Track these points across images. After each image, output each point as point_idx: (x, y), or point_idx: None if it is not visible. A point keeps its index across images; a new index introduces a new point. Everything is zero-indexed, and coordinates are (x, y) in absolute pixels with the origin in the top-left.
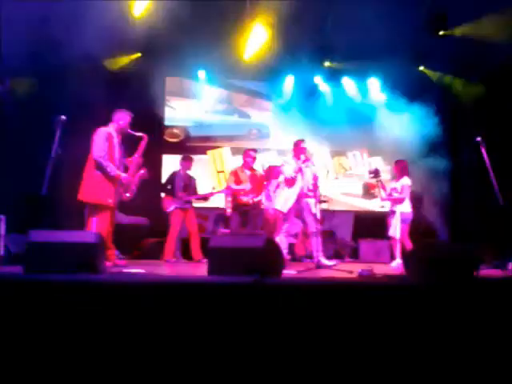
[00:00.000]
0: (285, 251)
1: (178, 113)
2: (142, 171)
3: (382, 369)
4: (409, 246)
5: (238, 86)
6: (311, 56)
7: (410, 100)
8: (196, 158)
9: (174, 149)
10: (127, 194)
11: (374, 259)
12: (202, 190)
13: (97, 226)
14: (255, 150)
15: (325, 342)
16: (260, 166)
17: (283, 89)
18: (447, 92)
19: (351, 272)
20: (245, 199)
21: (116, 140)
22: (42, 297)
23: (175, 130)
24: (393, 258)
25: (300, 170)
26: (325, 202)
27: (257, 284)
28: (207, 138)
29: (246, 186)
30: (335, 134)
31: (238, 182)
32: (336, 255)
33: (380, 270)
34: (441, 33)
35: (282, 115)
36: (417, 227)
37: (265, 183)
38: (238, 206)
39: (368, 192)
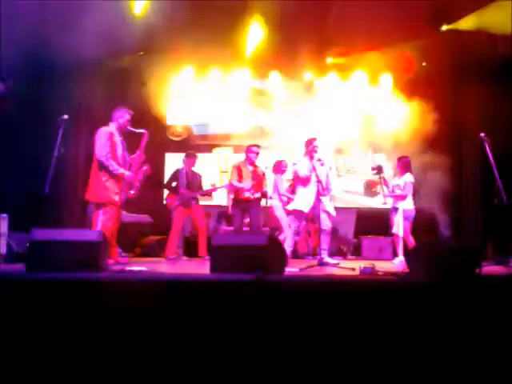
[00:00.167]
0: (289, 249)
1: (180, 111)
2: (144, 168)
3: (383, 365)
4: (411, 243)
5: (240, 84)
6: (312, 52)
7: (413, 95)
8: (199, 156)
9: (177, 147)
10: (132, 192)
11: (376, 256)
12: (204, 187)
13: (103, 225)
14: (258, 146)
15: (327, 339)
16: (262, 164)
17: (284, 86)
18: (450, 87)
19: (353, 269)
20: (246, 194)
21: (118, 138)
22: (43, 295)
23: (178, 129)
24: (395, 254)
25: (314, 169)
26: None
27: (259, 281)
28: (210, 137)
29: (247, 184)
30: (337, 131)
31: (241, 177)
32: (338, 252)
33: (382, 267)
34: (444, 28)
35: (284, 113)
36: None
37: (272, 179)
38: (239, 202)
39: (370, 189)
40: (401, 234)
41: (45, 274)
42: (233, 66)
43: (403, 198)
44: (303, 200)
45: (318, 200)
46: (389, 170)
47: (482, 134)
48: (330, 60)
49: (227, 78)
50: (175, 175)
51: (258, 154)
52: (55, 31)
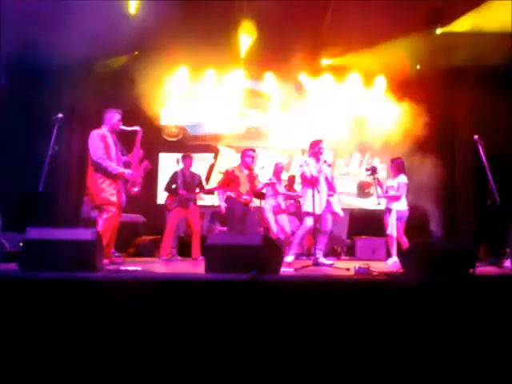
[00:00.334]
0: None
1: (175, 112)
2: (144, 163)
3: (378, 365)
4: (404, 243)
5: (235, 85)
6: (307, 54)
7: (406, 97)
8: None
9: (171, 147)
10: (135, 189)
11: (369, 257)
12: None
13: (103, 225)
14: (254, 150)
15: (322, 339)
16: (258, 164)
17: (279, 87)
18: (444, 90)
19: (348, 270)
20: (245, 198)
21: (111, 140)
22: (37, 295)
23: (174, 129)
24: (389, 255)
25: (320, 171)
26: None
27: (254, 281)
28: (205, 137)
29: (222, 204)
30: (330, 132)
31: (238, 184)
32: (332, 253)
33: (376, 267)
34: (438, 31)
35: (279, 114)
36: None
37: (271, 181)
38: (235, 204)
39: (362, 191)
40: (394, 235)
41: (39, 273)
42: (227, 66)
43: (397, 198)
44: (311, 202)
45: (327, 202)
46: (382, 172)
47: (476, 137)
48: (324, 61)
49: (222, 78)
50: (174, 177)
51: (253, 158)
52: (48, 31)
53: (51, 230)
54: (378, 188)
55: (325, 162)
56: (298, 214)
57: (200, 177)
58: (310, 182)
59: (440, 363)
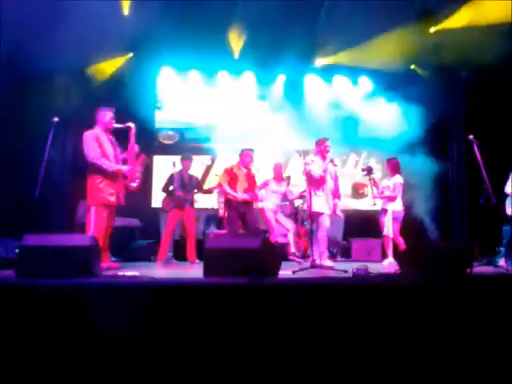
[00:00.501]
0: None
1: (170, 114)
2: (141, 157)
3: (378, 367)
4: (400, 243)
5: (231, 87)
6: (302, 54)
7: (401, 98)
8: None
9: (167, 150)
10: (134, 184)
11: (365, 258)
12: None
13: (95, 227)
14: (252, 150)
15: (322, 341)
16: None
17: (275, 88)
18: (438, 90)
19: (345, 271)
20: (244, 196)
21: (105, 138)
22: (35, 302)
23: (170, 133)
24: (384, 256)
25: (326, 170)
26: None
27: (253, 284)
28: (202, 140)
29: (240, 194)
30: (325, 133)
31: (236, 180)
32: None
33: (373, 268)
34: (432, 30)
35: (275, 115)
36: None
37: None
38: (235, 205)
39: (357, 192)
40: (391, 235)
41: (36, 279)
42: (218, 67)
43: (393, 199)
44: (322, 201)
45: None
46: (377, 172)
47: (471, 136)
48: (316, 60)
49: (215, 80)
50: (170, 179)
51: (252, 157)
52: (39, 35)
53: (48, 236)
54: (374, 188)
55: (331, 160)
56: (294, 216)
57: (198, 178)
58: (317, 181)
59: (439, 363)
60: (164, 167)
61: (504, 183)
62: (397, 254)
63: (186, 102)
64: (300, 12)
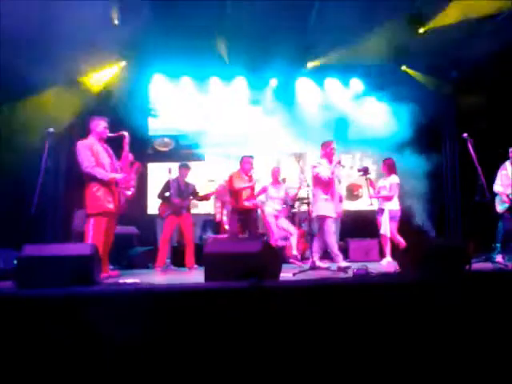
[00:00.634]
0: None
1: (165, 122)
2: (135, 165)
3: (381, 366)
4: (399, 242)
5: (223, 92)
6: (293, 58)
7: (393, 99)
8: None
9: (161, 157)
10: (129, 192)
11: (362, 258)
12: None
13: (93, 237)
14: (252, 157)
15: (325, 343)
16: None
17: (267, 93)
18: (430, 90)
19: (346, 272)
20: (247, 204)
21: (99, 147)
22: (36, 312)
23: (166, 139)
24: (382, 255)
25: (333, 172)
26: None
27: (254, 288)
28: (196, 146)
29: (251, 202)
30: (320, 136)
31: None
32: (325, 255)
33: (372, 268)
34: (421, 30)
35: (267, 119)
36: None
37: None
38: (237, 211)
39: (352, 194)
40: (388, 235)
41: (38, 290)
42: (210, 73)
43: (389, 198)
44: (329, 205)
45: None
46: (372, 173)
47: (465, 135)
48: (307, 63)
49: (205, 86)
50: (167, 185)
51: (252, 164)
52: (29, 47)
53: (47, 245)
54: (370, 188)
55: (338, 163)
56: (291, 218)
57: (194, 186)
58: (325, 184)
59: (441, 361)
60: (159, 174)
61: (493, 182)
62: (396, 253)
63: (179, 109)
64: (289, 15)
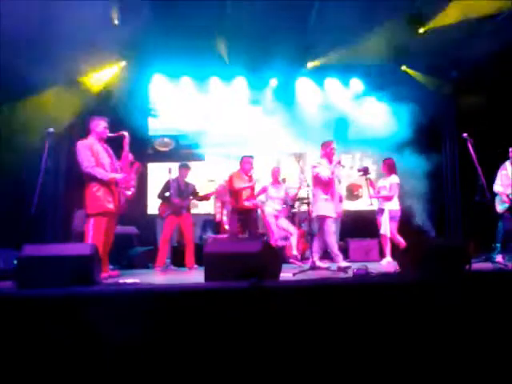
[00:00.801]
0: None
1: (165, 121)
2: (135, 166)
3: (382, 365)
4: (400, 242)
5: (223, 92)
6: (293, 58)
7: (393, 99)
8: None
9: (161, 157)
10: (129, 192)
11: (362, 258)
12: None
13: (93, 237)
14: (252, 157)
15: (325, 343)
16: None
17: (267, 93)
18: (430, 90)
19: (346, 272)
20: (247, 204)
21: (99, 147)
22: (36, 312)
23: (166, 139)
24: (382, 255)
25: (334, 172)
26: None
27: (254, 288)
28: (196, 146)
29: (251, 202)
30: (320, 136)
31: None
32: (325, 255)
33: (372, 268)
34: (421, 30)
35: (267, 119)
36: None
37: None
38: (238, 211)
39: (352, 194)
40: (388, 235)
41: (38, 290)
42: (210, 73)
43: (389, 198)
44: (329, 205)
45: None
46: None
47: (465, 135)
48: (307, 63)
49: (205, 86)
50: (167, 185)
51: (252, 164)
52: (29, 47)
53: (47, 245)
54: (370, 188)
55: (338, 163)
56: (291, 218)
57: (194, 186)
58: (325, 184)
59: (441, 360)
60: (159, 174)
61: (493, 182)
62: (396, 253)
63: (179, 109)
64: (289, 15)
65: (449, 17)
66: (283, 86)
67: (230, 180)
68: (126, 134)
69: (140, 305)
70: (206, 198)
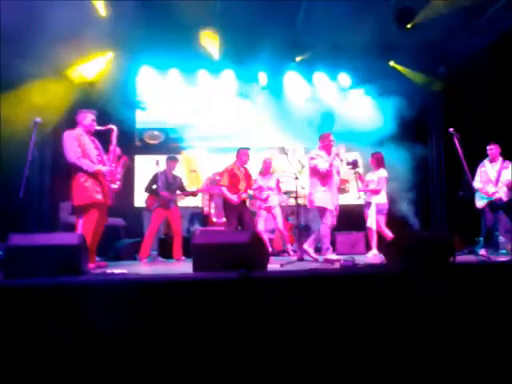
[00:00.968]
0: (312, 248)
1: (154, 115)
2: (123, 159)
3: (368, 355)
4: (388, 235)
5: (211, 85)
6: (282, 52)
7: (380, 93)
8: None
9: (152, 150)
10: (114, 186)
11: (349, 251)
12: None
13: (84, 228)
14: (249, 149)
15: (312, 333)
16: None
17: (255, 86)
18: (417, 85)
19: (333, 263)
20: (244, 196)
21: (86, 139)
22: (23, 302)
23: (155, 132)
24: (369, 248)
25: (332, 164)
26: (301, 197)
27: (243, 278)
28: (186, 139)
29: (235, 197)
30: (309, 130)
31: (238, 180)
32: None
33: (358, 260)
34: (408, 25)
35: (258, 112)
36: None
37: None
38: (233, 205)
39: (339, 187)
40: (374, 228)
41: (25, 279)
42: (198, 66)
43: (377, 192)
44: (327, 197)
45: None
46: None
47: (451, 129)
48: (296, 57)
49: (195, 79)
50: (154, 178)
51: (249, 156)
52: (15, 38)
53: (35, 235)
54: (359, 182)
55: (337, 155)
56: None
57: (181, 179)
58: (323, 176)
59: (425, 349)
60: (146, 167)
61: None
62: (382, 246)
63: (168, 102)
64: (278, 9)
65: (435, 11)
66: (271, 79)
67: (223, 175)
68: (114, 127)
69: (128, 295)
70: (193, 194)
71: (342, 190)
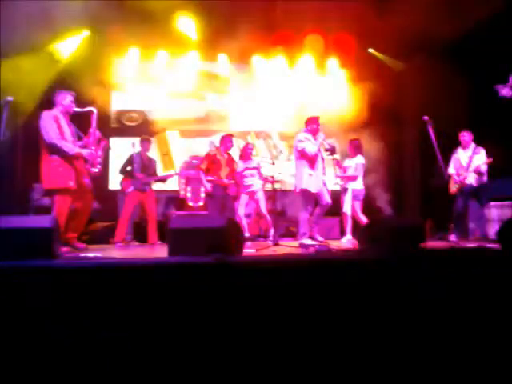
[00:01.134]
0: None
1: (134, 97)
2: (102, 143)
3: (340, 339)
4: (363, 221)
5: (192, 68)
6: (260, 36)
7: (355, 79)
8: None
9: (130, 132)
10: (95, 169)
11: (324, 236)
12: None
13: (57, 211)
14: (233, 135)
15: (287, 316)
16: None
17: (234, 69)
18: (392, 71)
19: (308, 248)
20: (226, 181)
21: (63, 121)
22: None
23: (134, 114)
24: (343, 234)
25: (319, 148)
26: (278, 182)
27: (219, 263)
28: (164, 122)
29: (208, 185)
30: (282, 115)
31: (219, 166)
32: (287, 233)
33: (334, 245)
34: (385, 11)
35: (237, 97)
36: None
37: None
38: (215, 191)
39: None
40: (349, 213)
41: None
42: (180, 48)
43: (354, 178)
44: (312, 180)
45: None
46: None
47: (426, 117)
48: (276, 44)
49: (176, 61)
50: (130, 160)
51: (233, 142)
52: None
53: (7, 218)
54: (337, 168)
55: (324, 139)
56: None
57: (155, 162)
58: (310, 159)
59: (398, 336)
60: (122, 150)
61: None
62: (356, 231)
63: (145, 84)
64: None
65: None
66: (247, 62)
67: (203, 161)
68: (93, 109)
69: (102, 279)
70: (162, 180)
71: None
